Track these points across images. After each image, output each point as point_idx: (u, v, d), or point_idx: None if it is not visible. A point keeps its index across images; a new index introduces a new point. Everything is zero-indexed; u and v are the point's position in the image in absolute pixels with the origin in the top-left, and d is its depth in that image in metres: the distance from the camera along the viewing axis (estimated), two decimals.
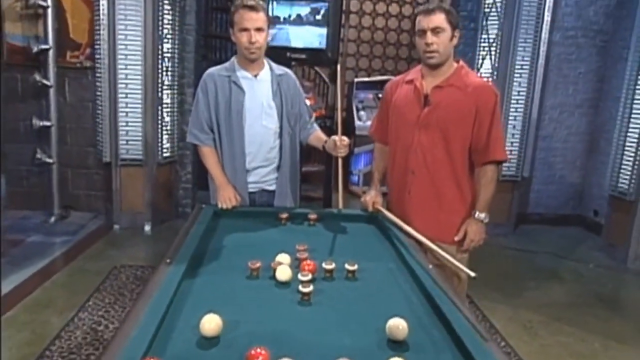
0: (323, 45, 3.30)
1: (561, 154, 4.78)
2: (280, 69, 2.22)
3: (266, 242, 1.82)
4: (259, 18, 2.03)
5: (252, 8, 2.02)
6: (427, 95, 1.93)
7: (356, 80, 5.93)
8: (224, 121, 2.12)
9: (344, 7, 5.72)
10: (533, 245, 4.29)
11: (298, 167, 2.34)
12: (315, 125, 2.34)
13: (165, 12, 4.00)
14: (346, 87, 6.20)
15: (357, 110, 5.71)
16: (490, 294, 3.28)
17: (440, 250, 1.68)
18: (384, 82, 5.87)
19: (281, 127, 2.18)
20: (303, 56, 3.27)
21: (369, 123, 5.52)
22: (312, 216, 2.02)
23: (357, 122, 5.60)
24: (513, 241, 4.38)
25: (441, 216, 1.96)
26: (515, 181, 4.46)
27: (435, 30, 1.85)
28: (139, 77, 3.93)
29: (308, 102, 4.03)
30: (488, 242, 4.17)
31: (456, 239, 1.94)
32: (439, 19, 1.84)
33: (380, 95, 5.87)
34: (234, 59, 2.18)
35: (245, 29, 2.02)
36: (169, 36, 4.08)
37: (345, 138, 2.03)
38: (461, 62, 1.96)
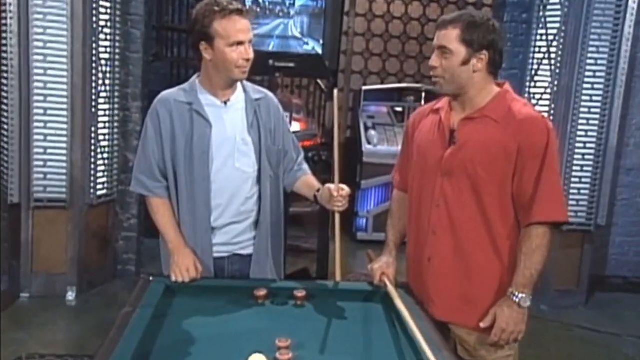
0: (319, 51, 3.35)
1: None
2: (257, 92, 2.27)
3: (235, 334, 1.82)
4: (249, 27, 2.10)
5: (242, 14, 2.07)
6: (454, 131, 1.97)
7: (365, 88, 6.00)
8: (183, 164, 2.15)
9: None
10: (614, 324, 4.25)
11: (282, 223, 2.38)
12: (305, 167, 2.39)
13: None
14: (351, 97, 6.28)
15: (366, 129, 5.78)
16: None
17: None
18: (402, 91, 6.11)
19: (260, 170, 2.21)
20: (291, 65, 3.32)
21: (380, 147, 5.69)
22: (300, 294, 2.04)
23: (366, 146, 5.67)
24: (585, 317, 4.35)
25: (472, 293, 1.98)
26: (587, 232, 4.46)
27: (442, 50, 1.91)
28: (64, 86, 3.96)
29: (298, 127, 4.11)
30: (550, 317, 4.16)
31: (482, 325, 1.94)
32: (449, 36, 1.90)
33: (397, 109, 6.00)
34: (195, 80, 2.22)
35: (240, 43, 2.07)
36: (107, 30, 4.13)
37: (344, 187, 2.07)
38: (506, 86, 2.00)
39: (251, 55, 2.11)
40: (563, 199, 1.96)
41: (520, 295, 1.90)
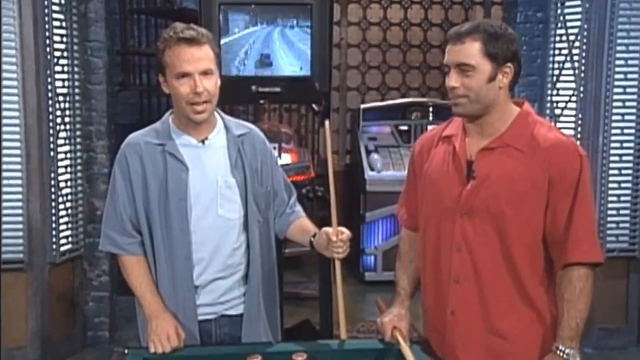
0: (307, 71, 3.36)
1: None
2: (240, 127, 2.28)
3: None
4: (204, 55, 2.09)
5: (191, 41, 2.08)
6: (472, 163, 1.98)
7: (363, 106, 6.02)
8: (158, 215, 2.16)
9: None
10: None
11: (276, 274, 2.39)
12: (298, 208, 2.40)
13: (56, 24, 4.09)
14: (348, 117, 6.29)
15: (368, 153, 5.79)
16: None
17: None
18: (406, 107, 6.11)
19: (246, 216, 2.22)
20: (276, 89, 3.33)
21: (385, 173, 5.68)
22: (299, 357, 2.04)
23: (369, 172, 5.68)
24: (638, 359, 4.31)
25: (505, 351, 1.98)
26: (632, 258, 4.44)
27: (462, 68, 1.91)
28: (16, 128, 3.95)
29: (288, 159, 4.12)
30: None
31: None
32: (468, 50, 1.90)
33: (401, 128, 6.00)
34: (168, 117, 2.25)
35: (186, 74, 2.08)
36: (63, 61, 4.16)
37: (344, 230, 2.08)
38: (525, 106, 2.01)
39: (200, 88, 2.07)
40: (597, 238, 1.98)
41: (567, 350, 1.89)
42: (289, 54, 3.41)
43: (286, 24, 3.45)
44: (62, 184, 4.18)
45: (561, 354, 1.89)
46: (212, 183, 2.18)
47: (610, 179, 4.34)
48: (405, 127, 6.03)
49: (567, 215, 1.89)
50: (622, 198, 4.37)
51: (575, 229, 1.89)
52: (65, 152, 4.22)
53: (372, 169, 5.67)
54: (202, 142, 2.20)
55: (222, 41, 3.29)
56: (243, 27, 3.43)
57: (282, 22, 3.45)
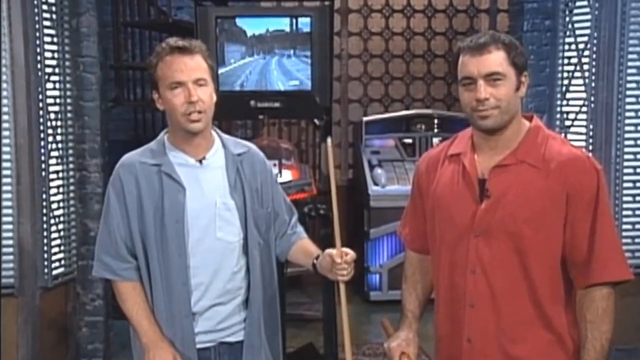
0: (307, 86, 3.37)
1: None
2: (238, 146, 2.29)
3: None
4: (196, 65, 2.11)
5: (183, 50, 2.10)
6: (485, 181, 1.97)
7: (366, 119, 6.03)
8: (154, 238, 2.16)
9: (338, 6, 5.96)
10: None
11: (277, 299, 2.40)
12: (300, 229, 2.41)
13: (47, 39, 4.10)
14: (350, 130, 6.28)
15: (371, 167, 5.79)
16: None
17: None
18: (410, 119, 6.11)
19: (246, 238, 2.22)
20: (276, 104, 3.34)
21: (390, 188, 5.67)
22: None
23: (372, 187, 5.68)
24: None
25: None
26: None
27: (492, 78, 1.91)
28: (7, 148, 3.94)
29: (289, 176, 4.13)
30: None
31: None
32: (496, 59, 1.90)
33: (406, 141, 6.00)
34: (163, 136, 2.26)
35: (178, 84, 2.09)
36: (55, 77, 4.16)
37: (348, 251, 2.09)
38: (535, 120, 2.02)
39: (198, 97, 2.09)
40: (623, 253, 1.98)
41: None
42: (292, 67, 3.42)
43: (283, 53, 3.48)
44: (54, 205, 4.17)
45: None
46: (211, 205, 2.18)
47: (625, 192, 4.32)
48: (409, 140, 6.03)
49: (588, 234, 1.90)
50: (637, 212, 4.35)
51: (599, 248, 1.89)
52: (57, 172, 4.21)
53: (376, 184, 5.67)
54: (200, 161, 2.21)
55: (219, 72, 3.31)
56: (239, 57, 3.45)
57: (279, 52, 3.48)
